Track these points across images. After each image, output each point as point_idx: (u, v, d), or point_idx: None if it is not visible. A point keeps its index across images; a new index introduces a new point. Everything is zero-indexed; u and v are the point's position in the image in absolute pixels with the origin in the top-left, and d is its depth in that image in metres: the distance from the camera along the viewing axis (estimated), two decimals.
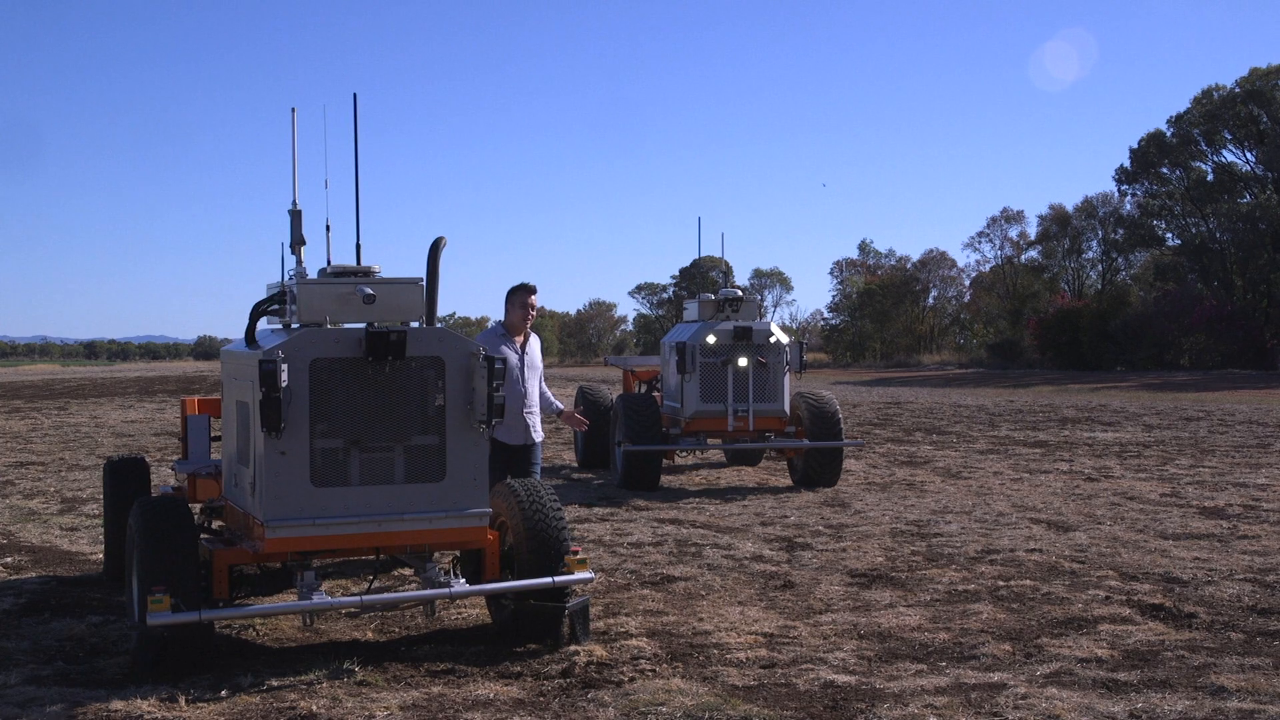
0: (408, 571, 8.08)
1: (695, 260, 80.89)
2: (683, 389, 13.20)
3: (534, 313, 8.55)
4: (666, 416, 13.50)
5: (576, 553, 6.48)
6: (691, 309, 14.34)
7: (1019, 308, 59.58)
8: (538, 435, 8.58)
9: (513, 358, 8.38)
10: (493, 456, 7.91)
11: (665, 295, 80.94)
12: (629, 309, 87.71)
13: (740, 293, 13.89)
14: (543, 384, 8.72)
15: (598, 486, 13.66)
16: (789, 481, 13.95)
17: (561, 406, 8.79)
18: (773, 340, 13.19)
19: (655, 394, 14.69)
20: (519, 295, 8.50)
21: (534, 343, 8.64)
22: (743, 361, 13.03)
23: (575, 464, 16.00)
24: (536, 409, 8.58)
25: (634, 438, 12.79)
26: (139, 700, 5.60)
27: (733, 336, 13.03)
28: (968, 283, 69.70)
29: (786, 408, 13.27)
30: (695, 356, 13.04)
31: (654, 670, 6.12)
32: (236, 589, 6.44)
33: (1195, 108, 51.80)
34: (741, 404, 13.09)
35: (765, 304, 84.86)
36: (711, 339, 13.04)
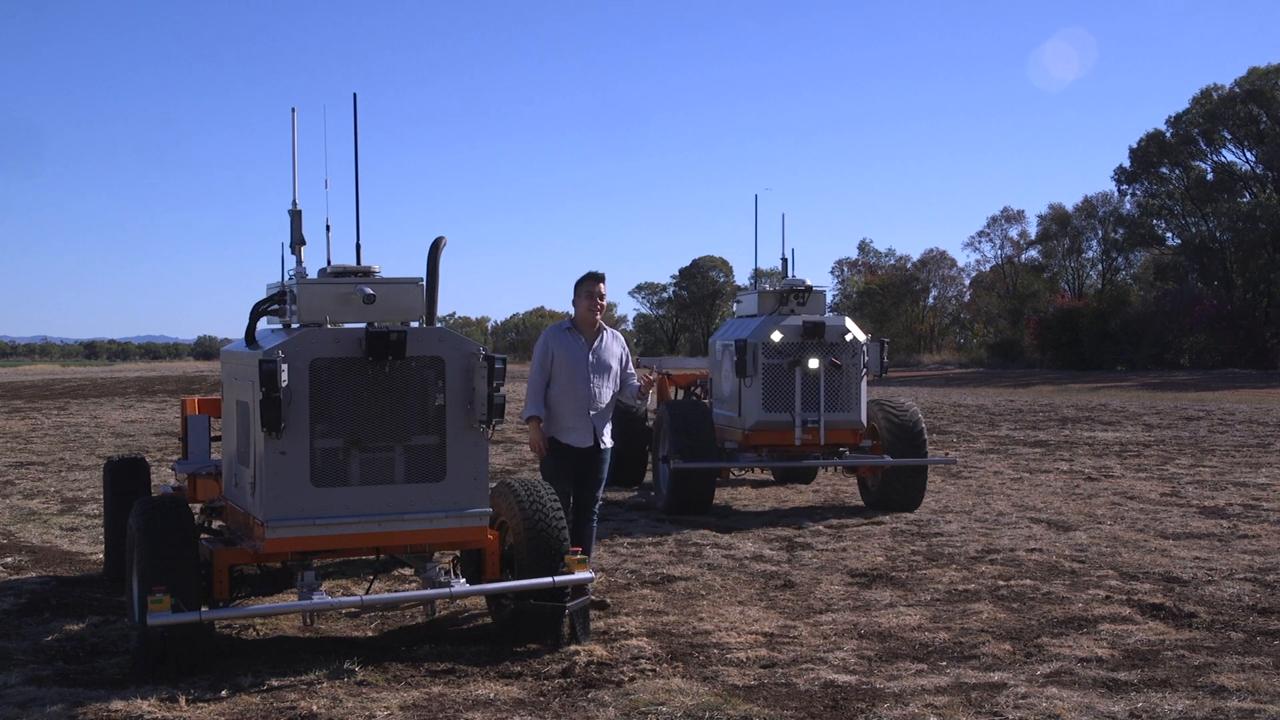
0: (408, 571, 8.07)
1: (692, 258, 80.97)
2: (741, 395, 11.27)
3: (602, 303, 7.66)
4: (720, 428, 11.62)
5: (576, 552, 6.49)
6: (748, 301, 12.20)
7: (1019, 307, 59.58)
8: (607, 441, 7.75)
9: (575, 355, 7.59)
10: (560, 458, 7.61)
11: (665, 295, 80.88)
12: (629, 309, 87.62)
13: (808, 282, 11.78)
14: (629, 375, 7.88)
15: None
16: (792, 485, 13.36)
17: (638, 384, 7.94)
18: (848, 338, 11.19)
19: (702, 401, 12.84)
20: (583, 286, 7.65)
21: (610, 339, 7.76)
22: (813, 363, 11.06)
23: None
24: (606, 410, 7.74)
25: (685, 453, 10.90)
26: (139, 700, 5.61)
27: (801, 334, 11.10)
28: (968, 282, 69.69)
29: (864, 418, 11.32)
30: (758, 357, 11.08)
31: (654, 670, 6.12)
32: (236, 589, 6.44)
33: (1195, 107, 51.81)
34: (811, 413, 11.12)
35: None
36: (777, 336, 11.08)
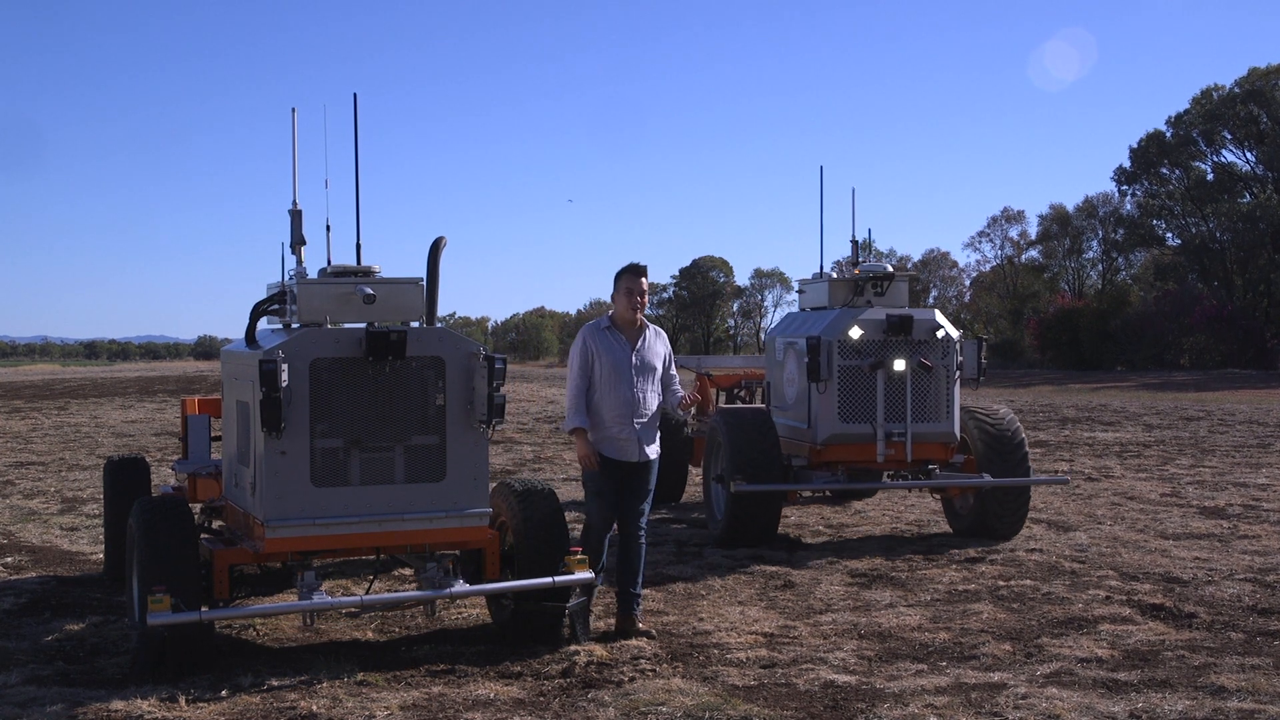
0: (408, 571, 8.07)
1: (692, 258, 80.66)
2: (811, 403, 9.53)
3: (644, 300, 6.94)
4: (783, 441, 9.76)
5: (576, 552, 6.49)
6: (816, 292, 10.33)
7: (1019, 308, 59.64)
8: (653, 452, 6.96)
9: (616, 356, 6.85)
10: (601, 477, 6.87)
11: (665, 295, 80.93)
12: None
13: (889, 267, 10.06)
14: (672, 377, 7.14)
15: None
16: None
17: (682, 393, 7.17)
18: (940, 335, 9.48)
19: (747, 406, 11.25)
20: (621, 280, 6.91)
21: (653, 337, 7.02)
22: (899, 365, 9.34)
23: None
24: (653, 418, 6.96)
25: (749, 473, 9.21)
26: (139, 700, 5.61)
27: (885, 329, 9.39)
28: (968, 282, 69.77)
29: (956, 430, 9.63)
30: (833, 357, 9.35)
31: (654, 670, 6.13)
32: (236, 589, 6.44)
33: (1195, 108, 51.88)
34: (897, 425, 9.41)
35: (765, 304, 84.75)
36: (856, 332, 9.34)
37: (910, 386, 9.42)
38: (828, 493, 11.02)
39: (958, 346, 9.56)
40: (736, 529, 9.45)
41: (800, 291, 10.82)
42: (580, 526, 10.53)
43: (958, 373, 9.56)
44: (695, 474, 12.77)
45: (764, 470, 9.26)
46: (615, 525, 7.09)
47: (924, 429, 9.47)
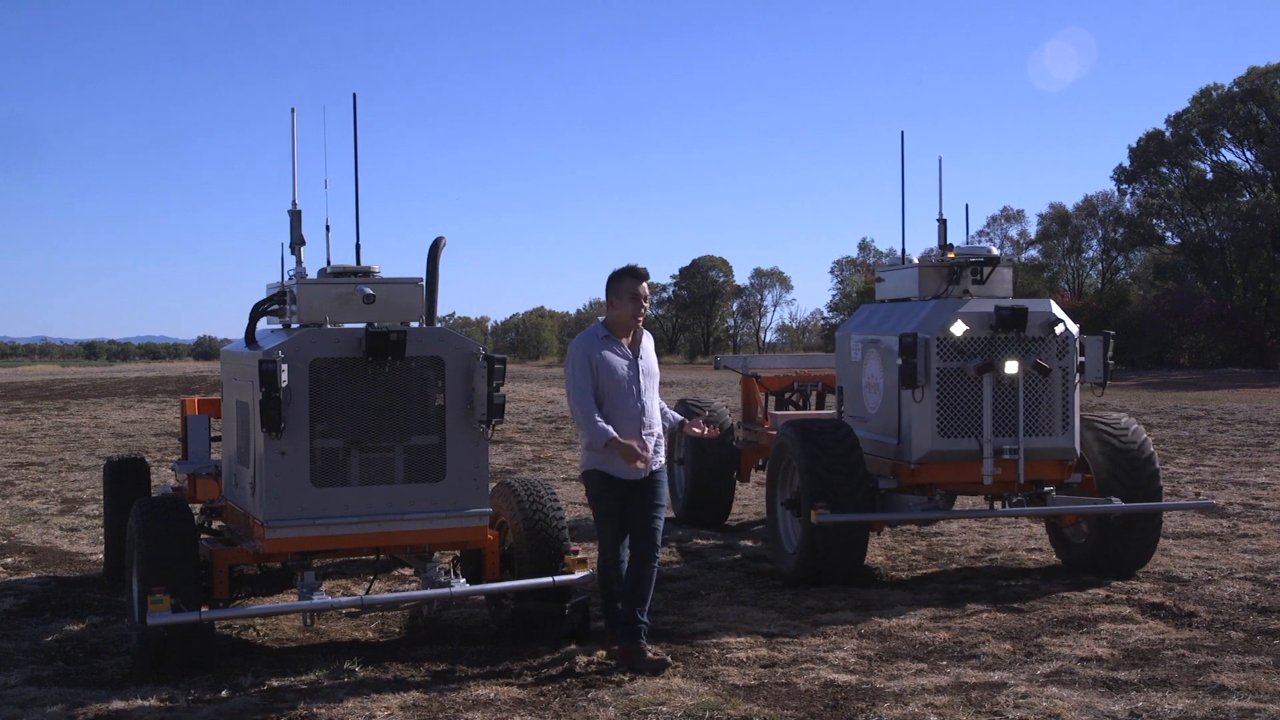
0: (408, 571, 8.08)
1: (692, 258, 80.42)
2: (902, 414, 8.06)
3: (646, 304, 6.43)
4: (867, 458, 8.13)
5: (577, 552, 6.49)
6: (899, 279, 8.79)
7: None
8: (658, 461, 6.37)
9: (620, 365, 6.30)
10: (605, 494, 6.30)
11: (665, 295, 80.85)
12: None
13: (992, 249, 8.49)
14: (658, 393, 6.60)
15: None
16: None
17: (679, 416, 6.66)
18: (1059, 330, 7.96)
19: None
20: (624, 284, 6.34)
21: (648, 343, 6.50)
22: (1011, 367, 7.83)
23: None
24: (658, 429, 6.43)
25: (833, 499, 7.69)
26: (139, 700, 5.62)
27: (994, 324, 7.90)
28: None
29: (1077, 444, 8.13)
30: (931, 359, 7.88)
31: (654, 670, 6.12)
32: (236, 589, 6.45)
33: (1194, 107, 51.90)
34: (1008, 439, 7.92)
35: (765, 304, 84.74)
36: (959, 328, 7.83)
37: (1023, 393, 7.93)
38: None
39: (1078, 344, 8.12)
40: (815, 564, 7.95)
41: (878, 280, 9.21)
42: (579, 526, 10.57)
43: (1078, 376, 8.11)
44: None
45: (850, 496, 7.76)
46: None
47: (1039, 444, 7.99)
